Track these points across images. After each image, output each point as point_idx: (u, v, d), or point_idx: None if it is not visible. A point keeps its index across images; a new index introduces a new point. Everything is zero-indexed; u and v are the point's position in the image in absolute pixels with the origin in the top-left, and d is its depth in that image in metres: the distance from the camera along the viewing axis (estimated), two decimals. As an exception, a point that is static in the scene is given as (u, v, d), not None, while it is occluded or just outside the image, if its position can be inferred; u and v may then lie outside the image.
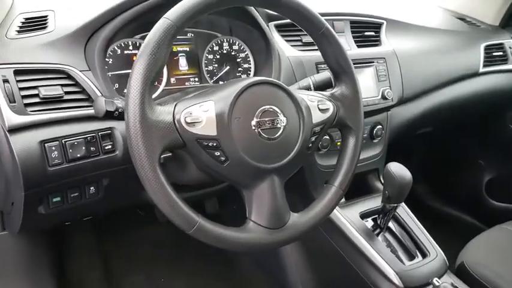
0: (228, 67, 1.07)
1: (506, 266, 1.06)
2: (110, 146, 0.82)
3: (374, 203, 1.16)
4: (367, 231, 1.07)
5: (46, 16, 0.88)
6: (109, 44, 0.88)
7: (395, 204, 1.00)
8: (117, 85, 0.92)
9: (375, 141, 1.25)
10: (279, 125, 0.71)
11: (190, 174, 0.80)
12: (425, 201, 2.03)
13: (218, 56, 1.06)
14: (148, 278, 1.43)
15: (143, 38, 0.79)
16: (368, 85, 1.18)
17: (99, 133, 0.80)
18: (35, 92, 0.76)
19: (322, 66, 1.09)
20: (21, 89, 0.75)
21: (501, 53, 1.58)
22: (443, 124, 1.72)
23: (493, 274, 1.03)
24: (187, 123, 0.66)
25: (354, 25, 1.23)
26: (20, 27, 0.84)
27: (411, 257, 1.06)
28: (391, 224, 1.12)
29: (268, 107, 0.70)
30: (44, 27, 0.85)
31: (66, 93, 0.79)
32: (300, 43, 1.12)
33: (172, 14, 0.65)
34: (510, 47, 1.61)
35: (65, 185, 0.81)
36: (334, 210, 1.11)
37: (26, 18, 0.86)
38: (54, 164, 0.75)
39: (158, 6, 0.87)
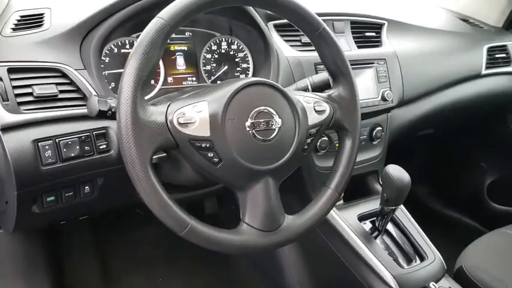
0: (226, 67, 1.07)
1: (505, 270, 1.05)
2: (104, 146, 0.81)
3: (373, 205, 1.15)
4: (364, 234, 1.07)
5: (42, 14, 0.87)
6: (105, 43, 0.88)
7: (394, 207, 0.99)
8: (113, 84, 0.92)
9: (374, 142, 1.24)
10: (273, 127, 0.70)
11: (186, 174, 0.79)
12: (426, 203, 2.02)
13: (216, 56, 1.06)
14: (147, 278, 1.43)
15: None
16: (368, 86, 1.17)
17: (94, 132, 0.80)
18: (28, 90, 0.75)
19: (321, 67, 1.08)
20: (14, 87, 0.74)
21: (504, 55, 1.57)
22: (444, 126, 1.71)
23: (492, 279, 1.02)
24: (180, 123, 0.65)
25: (354, 25, 1.22)
26: (16, 24, 0.83)
27: (409, 260, 1.06)
28: (389, 227, 1.12)
29: (263, 108, 0.70)
30: (40, 25, 0.84)
31: (61, 92, 0.78)
32: (299, 43, 1.11)
33: (166, 13, 0.64)
34: (514, 49, 1.59)
35: (59, 184, 0.80)
36: (332, 212, 1.11)
37: (22, 16, 0.86)
38: (47, 164, 0.75)
39: (155, 5, 0.86)
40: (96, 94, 0.81)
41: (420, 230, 1.11)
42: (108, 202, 0.96)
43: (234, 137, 0.67)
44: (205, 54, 1.04)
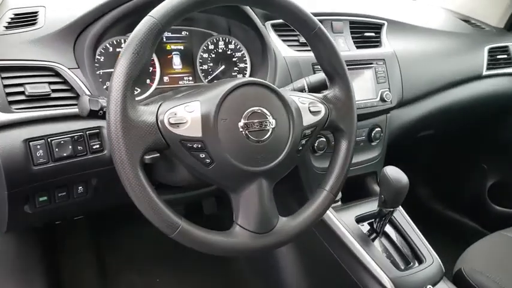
0: (223, 66, 1.06)
1: (505, 274, 1.03)
2: (97, 146, 0.80)
3: (371, 206, 1.14)
4: (362, 236, 1.05)
5: (36, 12, 0.87)
6: (99, 42, 0.87)
7: (392, 209, 0.98)
8: (107, 83, 0.91)
9: (373, 143, 1.22)
10: (267, 127, 0.69)
11: (181, 175, 0.78)
12: (427, 205, 2.00)
13: (213, 55, 1.05)
14: (144, 278, 1.42)
15: None
16: (366, 87, 1.16)
17: (87, 132, 0.79)
18: (20, 89, 0.75)
19: (319, 67, 1.07)
20: (6, 86, 0.73)
21: (505, 56, 1.55)
22: (445, 127, 1.69)
23: (491, 282, 1.01)
24: (170, 124, 0.64)
25: (353, 25, 1.21)
26: (9, 23, 0.83)
27: (407, 262, 1.04)
28: (388, 229, 1.10)
29: (256, 108, 0.68)
30: (34, 24, 0.84)
31: (54, 91, 0.78)
32: (297, 43, 1.10)
33: (158, 12, 0.63)
34: (515, 50, 1.58)
35: (52, 184, 0.79)
36: (329, 214, 1.10)
37: (16, 14, 0.85)
38: (39, 163, 0.74)
39: (149, 3, 0.85)
40: (90, 93, 0.81)
41: (419, 232, 1.09)
42: (103, 202, 0.95)
43: (227, 138, 0.66)
44: (202, 54, 1.03)
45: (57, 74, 0.79)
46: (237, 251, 0.68)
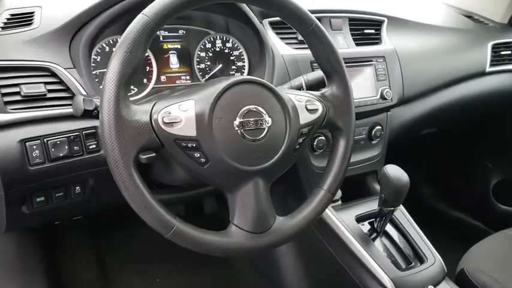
0: (221, 65, 1.05)
1: (508, 274, 1.02)
2: (94, 146, 0.80)
3: (371, 206, 1.12)
4: (362, 236, 1.04)
5: (33, 12, 0.86)
6: (95, 41, 0.87)
7: (393, 208, 0.97)
8: None
9: (373, 142, 1.21)
10: (263, 126, 0.68)
11: (178, 174, 0.77)
12: (430, 204, 1.99)
13: (211, 54, 1.04)
14: (144, 278, 1.42)
15: None
16: (366, 84, 1.15)
17: (83, 132, 0.79)
18: (16, 89, 0.74)
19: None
20: (1, 86, 0.73)
21: (509, 52, 1.53)
22: (447, 125, 1.68)
23: (494, 282, 0.99)
24: (164, 123, 0.63)
25: (352, 22, 1.19)
26: (5, 23, 0.83)
27: (408, 262, 1.03)
28: (389, 228, 1.09)
29: (252, 107, 0.68)
30: (30, 24, 0.84)
31: (49, 91, 0.78)
32: (295, 41, 1.09)
33: (150, 10, 0.62)
34: (519, 46, 1.56)
35: (48, 184, 0.79)
36: (330, 213, 1.09)
37: (12, 15, 0.85)
38: (35, 164, 0.74)
39: (145, 2, 0.85)
40: (86, 93, 0.80)
41: (420, 231, 1.08)
42: (101, 202, 0.95)
43: (222, 137, 0.65)
44: (199, 53, 1.03)
45: (53, 74, 0.79)
46: (232, 251, 0.67)
